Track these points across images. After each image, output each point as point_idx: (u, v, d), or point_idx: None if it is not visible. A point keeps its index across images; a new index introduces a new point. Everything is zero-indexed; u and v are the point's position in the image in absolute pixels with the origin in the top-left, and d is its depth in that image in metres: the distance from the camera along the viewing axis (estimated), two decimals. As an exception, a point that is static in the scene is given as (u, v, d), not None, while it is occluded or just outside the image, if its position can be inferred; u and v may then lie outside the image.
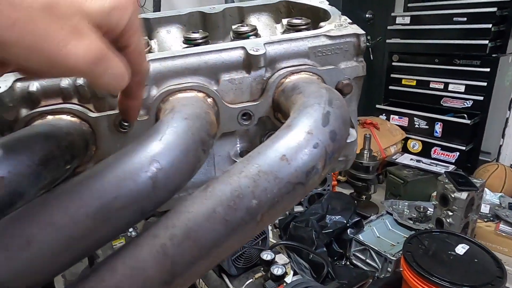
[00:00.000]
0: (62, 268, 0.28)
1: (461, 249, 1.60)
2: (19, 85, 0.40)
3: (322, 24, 0.51)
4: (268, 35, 0.57)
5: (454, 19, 2.81)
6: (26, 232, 0.26)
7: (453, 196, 1.86)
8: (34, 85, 0.40)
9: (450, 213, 1.89)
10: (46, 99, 0.41)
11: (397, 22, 3.15)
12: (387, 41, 3.25)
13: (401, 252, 1.76)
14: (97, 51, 0.27)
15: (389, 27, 3.23)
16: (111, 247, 1.54)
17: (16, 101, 0.40)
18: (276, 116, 0.47)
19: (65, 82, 0.41)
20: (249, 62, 0.45)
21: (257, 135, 0.50)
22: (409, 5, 3.20)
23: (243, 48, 0.45)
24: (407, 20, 3.09)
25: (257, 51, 0.44)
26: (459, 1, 2.82)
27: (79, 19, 0.26)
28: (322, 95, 0.36)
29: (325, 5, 0.56)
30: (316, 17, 0.55)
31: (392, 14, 3.25)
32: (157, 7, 2.13)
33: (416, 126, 3.11)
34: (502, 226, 2.15)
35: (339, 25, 0.49)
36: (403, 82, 3.23)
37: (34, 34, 0.24)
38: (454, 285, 1.39)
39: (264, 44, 0.45)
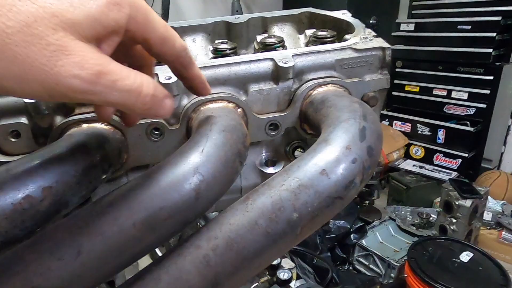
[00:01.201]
0: (109, 275, 0.29)
1: (465, 256, 1.60)
2: (54, 93, 0.41)
3: (347, 36, 0.52)
4: (291, 46, 0.57)
5: (459, 27, 2.83)
6: (77, 242, 0.27)
7: (457, 203, 1.87)
8: (69, 93, 0.41)
9: (454, 220, 1.90)
10: (80, 107, 0.42)
11: (401, 28, 3.17)
12: (391, 47, 3.27)
13: (404, 258, 1.77)
14: (92, 66, 0.23)
15: (393, 34, 3.25)
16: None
17: (51, 109, 0.41)
18: (302, 127, 0.48)
19: (99, 90, 0.42)
20: (277, 74, 0.46)
21: (282, 144, 0.51)
22: (414, 12, 3.22)
23: (272, 59, 0.46)
24: (412, 27, 3.11)
25: (286, 63, 0.45)
26: (464, 9, 2.84)
27: (62, 34, 0.22)
28: (356, 109, 0.37)
29: (348, 17, 0.56)
30: (339, 29, 0.56)
31: (397, 20, 3.27)
32: (165, 13, 2.14)
33: (419, 132, 3.13)
34: (504, 234, 2.16)
35: (364, 38, 0.50)
36: (407, 88, 3.25)
37: (16, 63, 0.21)
38: (459, 293, 1.39)
39: (293, 56, 0.46)
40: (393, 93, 3.33)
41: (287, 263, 1.50)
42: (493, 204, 2.37)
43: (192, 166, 0.31)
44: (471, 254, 1.62)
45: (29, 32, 0.21)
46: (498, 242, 2.17)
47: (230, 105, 0.44)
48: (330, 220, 2.11)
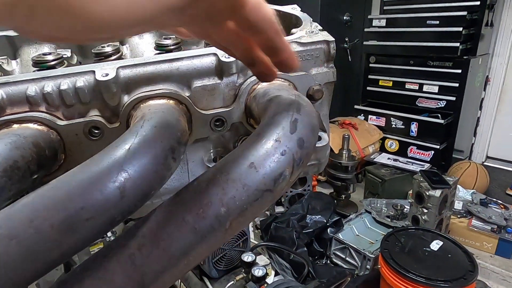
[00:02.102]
0: (27, 282, 0.28)
1: (435, 245, 1.65)
2: (-18, 93, 0.39)
3: (293, 30, 0.52)
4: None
5: (428, 22, 2.91)
6: (-13, 246, 0.26)
7: (427, 194, 1.92)
8: (-2, 93, 0.39)
9: (425, 211, 1.96)
10: (11, 107, 0.40)
11: (373, 24, 3.23)
12: (364, 43, 3.33)
13: (379, 250, 1.81)
14: None
15: (366, 29, 3.31)
16: (88, 253, 1.51)
17: (-21, 110, 0.39)
18: (249, 122, 0.48)
19: (31, 89, 0.40)
20: (221, 69, 0.45)
21: (230, 140, 0.50)
22: (385, 8, 3.28)
23: (215, 54, 0.45)
24: (383, 22, 3.18)
25: (228, 58, 0.44)
26: (432, 5, 2.92)
27: None
28: (290, 102, 0.37)
29: (297, 12, 0.56)
30: (288, 23, 0.56)
31: (369, 16, 3.33)
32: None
33: (393, 126, 3.20)
34: (474, 221, 2.24)
35: (310, 32, 0.50)
36: (380, 83, 3.32)
37: None
38: (429, 281, 1.44)
39: (236, 50, 0.46)
40: (368, 88, 3.39)
41: (262, 260, 1.51)
42: (463, 194, 2.46)
43: (117, 163, 0.30)
44: (441, 243, 1.67)
45: None
46: (468, 230, 2.25)
47: (171, 101, 0.43)
48: (307, 216, 2.13)
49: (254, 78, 0.46)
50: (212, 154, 0.50)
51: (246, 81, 0.46)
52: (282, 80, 0.46)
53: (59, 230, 0.28)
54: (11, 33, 0.52)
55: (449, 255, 1.61)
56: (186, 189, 0.31)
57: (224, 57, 0.44)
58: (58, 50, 0.51)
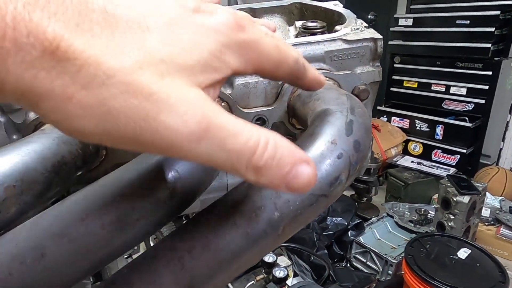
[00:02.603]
0: (76, 279, 0.27)
1: (463, 253, 1.59)
2: (28, 86, 0.39)
3: (337, 27, 0.50)
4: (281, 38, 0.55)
5: (457, 21, 2.81)
6: (40, 244, 0.25)
7: (455, 199, 1.86)
8: (43, 87, 0.39)
9: (452, 217, 1.89)
10: (56, 101, 0.40)
11: (399, 23, 3.15)
12: (389, 42, 3.25)
13: (402, 255, 1.76)
14: (200, 119, 0.18)
15: (391, 29, 3.23)
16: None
17: (25, 103, 0.39)
18: (290, 122, 0.46)
19: (75, 84, 0.40)
20: (264, 66, 0.44)
21: (270, 140, 0.49)
22: (412, 6, 3.19)
23: (258, 51, 0.44)
24: (410, 22, 3.09)
25: (272, 54, 0.43)
26: (462, 4, 2.82)
27: (168, 82, 0.19)
28: (343, 102, 0.35)
29: (340, 8, 0.54)
30: (331, 20, 0.54)
31: (395, 15, 3.25)
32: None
33: (417, 128, 3.11)
34: (503, 230, 2.15)
35: (356, 29, 0.48)
36: (405, 84, 3.23)
37: (109, 119, 0.18)
38: (456, 290, 1.38)
39: (280, 47, 0.44)
40: (391, 89, 3.32)
41: (283, 261, 1.49)
42: (491, 200, 2.36)
43: (167, 162, 0.29)
44: (469, 251, 1.61)
45: (131, 82, 0.18)
46: (496, 238, 2.16)
47: (214, 99, 0.42)
48: (327, 217, 2.10)
49: (297, 76, 0.44)
50: (251, 154, 0.48)
51: (289, 79, 0.45)
52: (327, 78, 0.45)
53: (109, 230, 0.27)
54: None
55: (478, 264, 1.55)
56: (237, 191, 0.30)
57: (268, 54, 0.43)
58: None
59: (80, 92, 0.17)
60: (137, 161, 0.30)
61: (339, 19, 0.54)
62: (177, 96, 0.18)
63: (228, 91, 0.44)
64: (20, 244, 0.25)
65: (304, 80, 0.28)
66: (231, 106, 0.43)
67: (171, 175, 0.29)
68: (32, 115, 0.39)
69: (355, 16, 0.52)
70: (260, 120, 0.45)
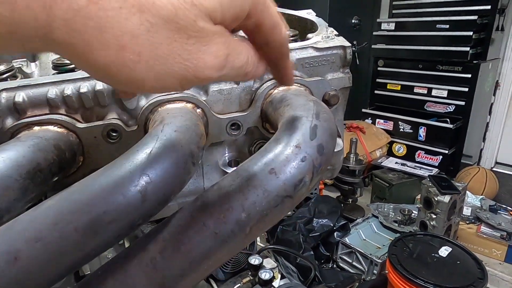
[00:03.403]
0: (50, 283, 0.28)
1: (444, 251, 1.64)
2: (4, 95, 0.40)
3: (309, 35, 0.52)
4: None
5: (437, 26, 2.89)
6: (13, 248, 0.26)
7: (436, 199, 1.90)
8: (20, 96, 0.40)
9: (434, 216, 1.94)
10: (32, 109, 0.40)
11: (382, 28, 3.22)
12: (373, 46, 3.32)
13: (386, 255, 1.79)
14: (224, 52, 0.23)
15: (374, 33, 3.30)
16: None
17: (1, 112, 0.39)
18: (264, 126, 0.48)
19: (52, 92, 0.41)
20: (238, 73, 0.45)
21: (245, 144, 0.50)
22: (394, 11, 3.27)
23: (232, 59, 0.45)
24: (392, 26, 3.16)
25: (246, 62, 0.45)
26: (442, 9, 2.90)
27: (201, 25, 0.21)
28: (309, 108, 0.37)
29: (312, 17, 0.57)
30: (304, 28, 0.56)
31: (378, 20, 3.32)
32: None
33: (401, 130, 3.18)
34: (483, 228, 2.21)
35: (326, 37, 0.51)
36: (388, 86, 3.30)
37: (157, 63, 0.21)
38: (437, 287, 1.42)
39: (253, 55, 0.46)
40: (376, 91, 3.38)
41: (269, 263, 1.51)
42: (472, 199, 2.43)
43: (138, 167, 0.30)
44: (450, 249, 1.65)
45: (172, 28, 0.20)
46: (477, 236, 2.22)
47: (189, 105, 0.43)
48: (313, 219, 2.12)
49: (270, 83, 0.46)
50: (227, 158, 0.50)
51: (262, 86, 0.46)
52: (298, 85, 0.47)
53: (82, 233, 0.28)
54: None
55: (458, 262, 1.59)
56: (206, 194, 0.31)
57: (241, 61, 0.45)
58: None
59: (131, 40, 0.20)
60: (109, 167, 0.31)
61: (312, 27, 0.56)
62: (209, 37, 0.22)
63: (203, 98, 0.45)
64: (-7, 249, 0.26)
65: (285, 62, 0.31)
66: (205, 112, 0.44)
67: (142, 179, 0.30)
68: (9, 122, 0.40)
69: (327, 24, 0.55)
70: (235, 125, 0.46)
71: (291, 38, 0.51)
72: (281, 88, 0.46)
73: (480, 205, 2.37)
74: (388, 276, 1.62)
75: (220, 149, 0.49)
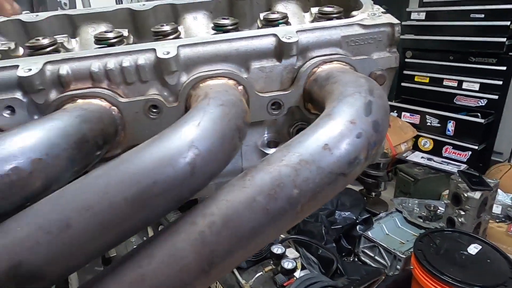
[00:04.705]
0: (98, 253, 0.28)
1: (473, 249, 1.58)
2: (49, 67, 0.40)
3: (354, 13, 0.49)
4: (296, 24, 0.55)
5: (471, 15, 2.76)
6: (65, 216, 0.26)
7: (466, 195, 1.84)
8: (64, 68, 0.40)
9: (462, 213, 1.87)
10: (76, 82, 0.40)
11: (412, 17, 3.10)
12: (401, 37, 3.20)
13: (410, 250, 1.75)
14: None
15: (403, 23, 3.18)
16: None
17: (46, 84, 0.39)
18: (306, 107, 0.46)
19: (95, 65, 0.40)
20: (280, 50, 0.44)
21: (285, 125, 0.49)
22: (425, 0, 3.13)
23: (275, 35, 0.44)
24: (422, 15, 3.04)
25: (289, 38, 0.43)
26: (477, -3, 2.76)
27: None
28: (361, 84, 0.35)
29: (356, -6, 0.54)
30: (347, 5, 0.53)
31: (407, 9, 3.20)
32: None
33: (428, 124, 3.08)
34: (514, 227, 2.12)
35: (372, 14, 0.48)
36: (416, 79, 3.19)
37: None
38: (466, 285, 1.37)
39: (297, 31, 0.44)
40: (402, 84, 3.27)
41: (291, 252, 1.50)
42: (503, 197, 2.33)
43: (188, 139, 0.29)
44: (479, 247, 1.59)
45: None
46: (507, 236, 2.13)
47: (231, 82, 0.42)
48: (336, 211, 2.09)
49: (314, 61, 0.44)
50: (266, 138, 0.49)
51: (306, 64, 0.45)
52: (343, 63, 0.44)
53: (131, 204, 0.27)
54: (70, 12, 0.53)
55: (488, 260, 1.53)
56: (256, 169, 0.30)
57: (285, 37, 0.43)
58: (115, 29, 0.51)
59: None
60: (157, 138, 0.30)
61: (355, 5, 0.53)
62: None
63: (244, 75, 0.44)
64: (46, 216, 0.26)
65: None
66: (247, 89, 0.43)
67: (191, 151, 0.29)
68: (53, 95, 0.40)
69: (372, 1, 0.52)
70: (276, 105, 0.45)
71: (335, 15, 0.49)
72: (325, 66, 0.44)
73: (511, 203, 2.27)
74: (413, 272, 1.58)
75: (259, 129, 0.48)
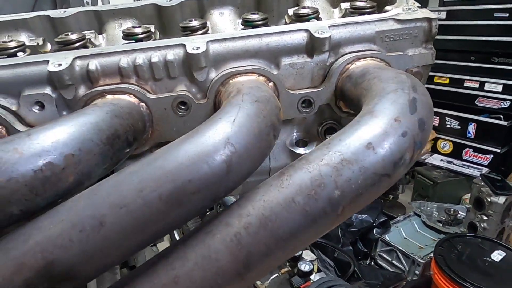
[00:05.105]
0: (132, 251, 0.27)
1: (497, 255, 1.52)
2: (78, 63, 0.39)
3: (388, 7, 0.48)
4: (325, 20, 0.54)
5: (495, 14, 2.67)
6: (99, 213, 0.25)
7: (489, 200, 1.77)
8: (93, 64, 0.39)
9: (485, 218, 1.81)
10: (104, 78, 0.40)
11: (432, 17, 3.03)
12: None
13: (429, 255, 1.70)
14: None
15: (423, 22, 3.11)
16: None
17: (75, 79, 0.39)
18: (337, 105, 0.44)
19: (124, 61, 0.40)
20: (312, 46, 0.42)
21: (314, 124, 0.47)
22: (446, -1, 3.05)
23: (307, 30, 0.42)
24: (443, 15, 2.96)
25: (322, 34, 0.41)
26: (501, -4, 2.67)
27: None
28: (403, 80, 0.33)
29: (389, -12, 0.52)
30: (379, 0, 0.51)
31: (427, 8, 3.13)
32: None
33: (448, 126, 3.00)
34: (539, 234, 2.04)
35: (408, 9, 0.46)
36: (435, 80, 3.11)
37: None
38: (490, 293, 1.32)
39: (329, 26, 0.42)
40: (421, 85, 3.20)
41: (308, 255, 1.47)
42: (527, 203, 2.24)
43: (223, 136, 0.28)
44: (504, 254, 1.53)
45: None
46: (531, 243, 2.05)
47: (261, 78, 0.41)
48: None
49: (347, 57, 0.43)
50: (294, 137, 0.47)
51: (338, 60, 0.43)
52: (378, 60, 0.43)
53: (166, 202, 0.26)
54: (97, 8, 0.53)
55: (513, 268, 1.47)
56: (294, 168, 0.29)
57: (317, 32, 0.41)
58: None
59: None
60: (191, 134, 0.29)
61: None
62: None
63: (274, 71, 0.42)
64: (79, 213, 0.25)
65: None
66: (277, 86, 0.42)
67: (227, 148, 0.28)
68: (82, 91, 0.39)
69: (406, -4, 0.50)
70: (307, 102, 0.44)
71: (368, 10, 0.47)
72: (359, 63, 0.42)
73: (536, 209, 2.19)
74: (433, 277, 1.53)
75: (288, 128, 0.47)
